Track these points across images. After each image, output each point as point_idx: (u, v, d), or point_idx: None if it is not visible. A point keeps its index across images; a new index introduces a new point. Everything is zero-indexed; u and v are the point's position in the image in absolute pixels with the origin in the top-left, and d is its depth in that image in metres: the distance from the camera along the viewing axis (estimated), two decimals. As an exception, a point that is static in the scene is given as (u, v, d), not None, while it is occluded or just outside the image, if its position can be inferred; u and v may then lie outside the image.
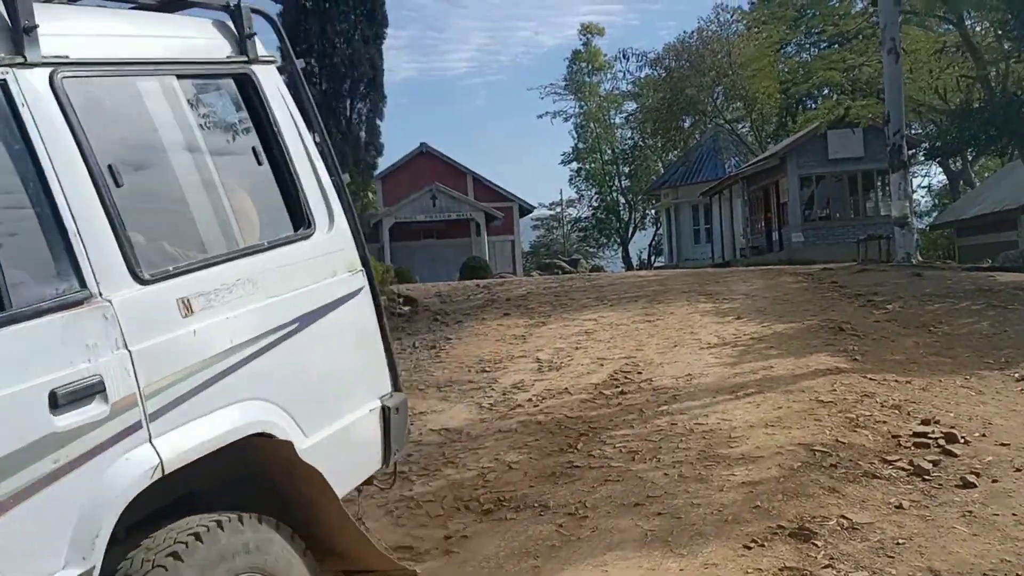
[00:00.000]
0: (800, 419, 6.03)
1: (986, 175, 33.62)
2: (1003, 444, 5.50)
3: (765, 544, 4.20)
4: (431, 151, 47.34)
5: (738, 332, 9.79)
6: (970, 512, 4.55)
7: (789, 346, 8.68)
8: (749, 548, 4.19)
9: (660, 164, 58.56)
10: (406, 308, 16.72)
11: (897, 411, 6.21)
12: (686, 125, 49.51)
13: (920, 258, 17.53)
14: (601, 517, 4.78)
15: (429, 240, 45.60)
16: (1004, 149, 17.08)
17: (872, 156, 28.37)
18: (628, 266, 59.77)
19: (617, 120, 61.72)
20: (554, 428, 6.62)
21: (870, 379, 7.15)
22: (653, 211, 60.57)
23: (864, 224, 28.44)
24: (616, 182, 65.23)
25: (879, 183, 29.34)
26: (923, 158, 31.58)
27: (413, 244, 45.14)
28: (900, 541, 4.20)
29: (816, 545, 4.15)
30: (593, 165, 66.11)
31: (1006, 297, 10.56)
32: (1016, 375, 7.39)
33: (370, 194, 17.61)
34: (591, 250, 68.19)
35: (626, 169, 64.25)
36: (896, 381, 7.11)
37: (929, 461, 5.11)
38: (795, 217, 29.02)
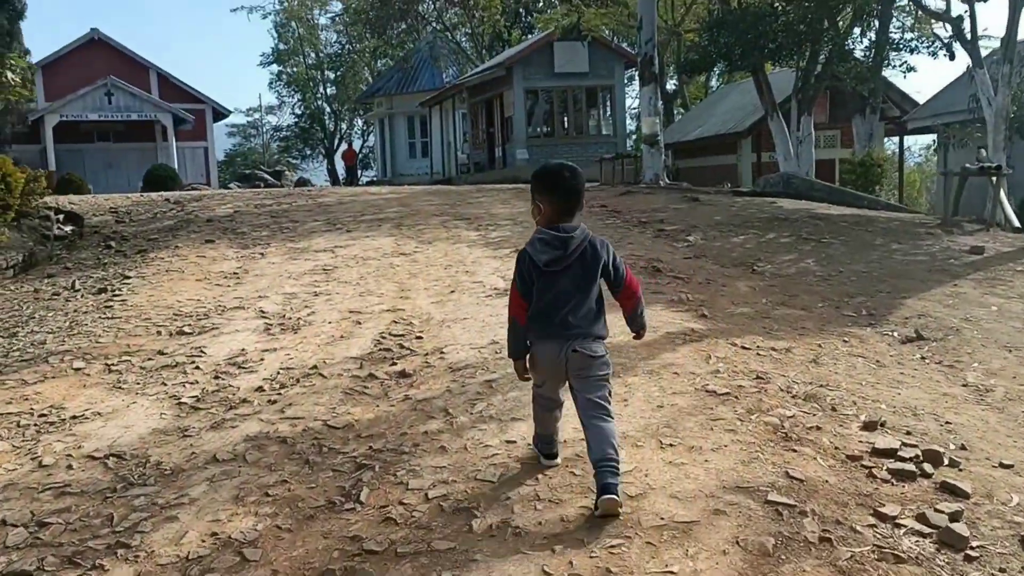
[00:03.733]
0: (703, 431, 3.93)
1: (697, 102, 34.42)
2: (1003, 465, 3.77)
3: None
4: (105, 39, 40.75)
5: (511, 271, 7.61)
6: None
7: (605, 293, 6.63)
8: None
9: (369, 72, 55.21)
10: (68, 229, 12.80)
11: (816, 405, 4.32)
12: (398, 31, 46.38)
13: (667, 180, 16.54)
14: None
15: (104, 143, 39.52)
16: (757, 64, 16.31)
17: (596, 72, 27.59)
18: (334, 179, 56.30)
19: (323, 21, 57.17)
20: (311, 451, 4.00)
21: (742, 348, 5.26)
22: (362, 121, 57.30)
23: (587, 143, 27.76)
24: (321, 89, 60.99)
25: (603, 101, 28.70)
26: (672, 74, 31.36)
27: (84, 147, 38.78)
28: None
29: None
30: (296, 69, 61.21)
31: (810, 228, 9.34)
32: (896, 334, 5.88)
33: (9, 75, 13.10)
34: (294, 161, 63.71)
35: (332, 75, 60.15)
36: (773, 350, 5.28)
37: (944, 512, 3.21)
38: (520, 132, 27.56)
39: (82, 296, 7.64)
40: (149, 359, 5.59)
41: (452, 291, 7.05)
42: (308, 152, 63.47)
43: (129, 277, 8.23)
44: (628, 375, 4.66)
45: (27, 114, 35.95)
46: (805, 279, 7.33)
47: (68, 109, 36.70)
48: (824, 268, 7.68)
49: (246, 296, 7.23)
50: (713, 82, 40.62)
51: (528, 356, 3.52)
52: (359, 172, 58.80)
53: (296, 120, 62.55)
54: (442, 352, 5.38)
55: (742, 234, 9.08)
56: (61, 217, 13.74)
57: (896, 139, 25.26)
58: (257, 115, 66.82)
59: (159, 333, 6.18)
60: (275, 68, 61.53)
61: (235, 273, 8.24)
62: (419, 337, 5.74)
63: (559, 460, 3.64)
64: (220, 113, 43.89)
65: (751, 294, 6.80)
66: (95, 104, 37.01)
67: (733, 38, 14.83)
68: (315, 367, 5.23)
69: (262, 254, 9.15)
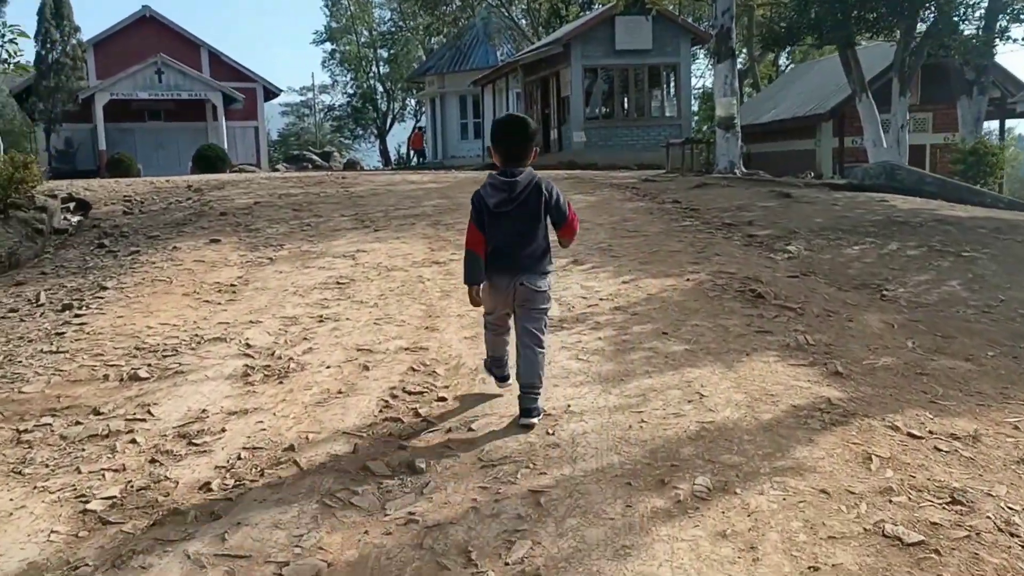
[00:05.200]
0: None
1: (765, 82, 32.19)
2: None
3: None
4: (156, 16, 40.01)
5: (589, 292, 6.00)
6: None
7: (694, 330, 5.00)
8: None
9: (422, 50, 53.72)
10: (75, 219, 11.52)
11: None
12: (453, 7, 44.67)
13: (744, 168, 14.70)
14: None
15: (155, 123, 38.84)
16: (850, 36, 14.34)
17: (660, 49, 25.63)
18: (386, 161, 55.09)
19: (376, -1, 55.83)
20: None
21: (910, 436, 3.59)
22: (414, 101, 55.86)
23: (649, 126, 25.90)
24: (374, 68, 59.70)
25: (667, 80, 26.73)
26: (757, 48, 29.10)
27: (135, 127, 38.14)
28: None
29: None
30: (348, 47, 60.01)
31: (940, 235, 7.52)
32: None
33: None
34: (346, 142, 62.66)
35: (385, 53, 58.81)
36: (955, 439, 3.60)
37: None
38: (577, 114, 25.74)
39: (42, 314, 6.23)
40: (77, 422, 4.11)
41: (492, 320, 5.46)
42: (360, 132, 62.33)
43: (106, 288, 6.81)
44: (750, 489, 3.04)
45: (77, 92, 35.34)
46: (956, 311, 5.56)
47: (118, 87, 36.07)
48: (977, 295, 5.89)
49: (234, 321, 5.74)
50: (782, 60, 38.25)
51: (482, 286, 3.83)
52: (411, 153, 57.56)
53: (348, 100, 61.42)
54: (471, 426, 3.80)
55: (856, 243, 7.30)
56: (72, 206, 12.51)
57: (995, 123, 22.90)
58: (310, 94, 65.98)
59: (106, 378, 4.70)
60: (328, 46, 60.52)
61: (232, 285, 6.76)
62: (442, 398, 4.16)
63: (511, 382, 4.04)
64: (271, 92, 42.93)
65: (889, 333, 5.08)
66: (145, 82, 36.37)
67: (824, 7, 12.88)
68: (291, 448, 3.69)
69: (271, 259, 7.67)
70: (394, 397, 4.22)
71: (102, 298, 6.50)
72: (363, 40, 59.10)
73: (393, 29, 56.80)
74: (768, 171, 16.87)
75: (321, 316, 5.75)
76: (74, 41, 35.56)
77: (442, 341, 5.08)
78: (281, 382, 4.53)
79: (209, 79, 37.90)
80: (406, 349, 4.95)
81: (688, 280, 6.15)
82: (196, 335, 5.43)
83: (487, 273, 3.78)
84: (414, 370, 4.59)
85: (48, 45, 35.24)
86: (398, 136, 60.34)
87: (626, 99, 26.71)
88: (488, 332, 4.06)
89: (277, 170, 35.38)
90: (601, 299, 5.82)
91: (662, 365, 4.45)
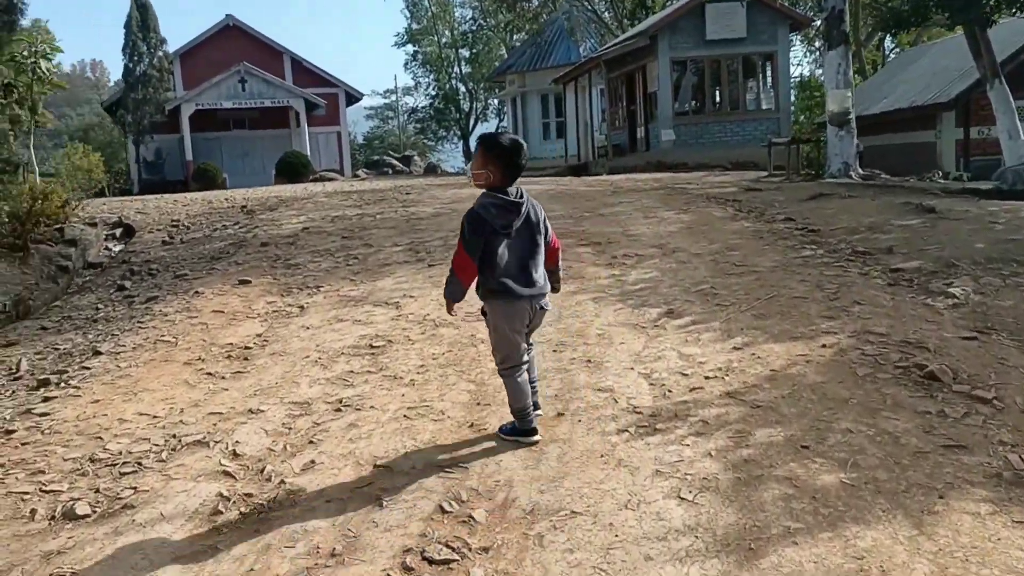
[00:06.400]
0: None
1: (870, 69, 29.68)
2: None
3: None
4: (240, 25, 39.98)
5: (690, 364, 4.50)
6: None
7: (848, 443, 3.47)
8: None
9: (504, 49, 52.49)
10: (117, 248, 10.60)
11: None
12: (534, 3, 43.25)
13: (861, 170, 12.83)
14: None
15: (239, 131, 38.73)
16: (989, 13, 12.35)
17: (755, 37, 23.71)
18: (469, 161, 54.08)
19: (456, -1, 54.88)
20: None
21: None
22: (496, 100, 54.66)
23: (744, 120, 24.02)
24: (455, 68, 58.77)
25: (762, 70, 24.74)
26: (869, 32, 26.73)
27: (221, 136, 38.13)
28: None
29: None
30: (430, 48, 59.25)
31: None
32: None
33: (44, 65, 10.99)
34: (429, 143, 62.03)
35: (466, 53, 57.81)
36: None
37: None
38: (665, 110, 23.97)
39: (12, 393, 5.09)
40: (-40, 606, 2.87)
41: (560, 411, 4.03)
42: (443, 134, 61.54)
43: (100, 353, 5.65)
44: None
45: (164, 103, 35.42)
46: None
47: (203, 97, 36.08)
48: None
49: (231, 409, 4.46)
50: (887, 43, 35.57)
51: (501, 310, 3.63)
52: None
53: (431, 101, 60.71)
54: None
55: (1039, 282, 5.58)
56: (118, 232, 11.62)
57: None
58: (393, 97, 65.62)
59: (32, 515, 3.45)
60: (410, 48, 59.95)
61: (246, 348, 5.51)
62: (476, 579, 2.76)
63: (539, 436, 3.70)
64: (353, 96, 42.46)
65: None
66: (229, 92, 36.31)
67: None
68: None
69: (301, 307, 6.41)
70: (408, 571, 2.84)
71: (88, 369, 5.33)
72: (444, 40, 58.29)
73: (474, 28, 55.75)
74: (882, 168, 14.94)
75: (340, 402, 4.42)
76: (160, 53, 35.69)
77: (488, 453, 3.67)
78: (258, 530, 3.20)
79: (291, 86, 37.60)
80: (439, 468, 3.57)
81: (824, 346, 4.58)
82: (175, 435, 4.16)
83: (510, 299, 3.60)
84: (443, 511, 3.20)
85: (135, 58, 35.43)
86: (481, 136, 59.30)
87: (718, 92, 24.83)
88: (516, 376, 3.71)
89: (358, 175, 34.74)
90: (707, 377, 4.32)
91: (810, 517, 2.94)
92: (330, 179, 30.35)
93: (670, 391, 4.18)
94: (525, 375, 3.74)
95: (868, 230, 7.37)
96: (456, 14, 57.47)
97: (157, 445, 4.05)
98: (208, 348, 5.58)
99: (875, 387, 4.02)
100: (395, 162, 38.86)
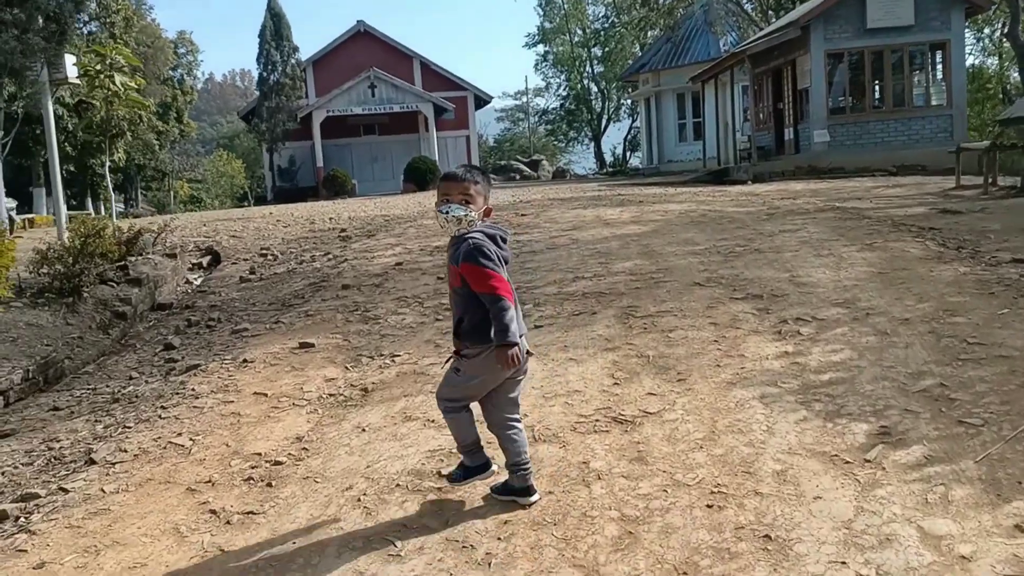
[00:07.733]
0: None
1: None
2: None
3: None
4: (370, 31, 39.72)
5: (943, 553, 2.65)
6: None
7: None
8: None
9: (638, 46, 50.32)
10: (198, 280, 9.48)
11: None
12: (669, -2, 40.88)
13: (1081, 183, 10.34)
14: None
15: (369, 137, 38.47)
16: None
17: (924, 24, 20.90)
18: (601, 164, 52.25)
19: (591, -6, 53.15)
20: None
21: None
22: (629, 100, 52.52)
23: (910, 118, 21.26)
24: (587, 67, 57.00)
25: (931, 61, 21.83)
26: None
27: (351, 141, 37.98)
28: None
29: None
30: (561, 48, 57.75)
31: None
32: None
33: (119, 79, 10.00)
34: (559, 144, 60.51)
35: (598, 52, 55.94)
36: None
37: None
38: (819, 108, 21.46)
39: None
40: None
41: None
42: (574, 135, 59.87)
43: (92, 463, 4.28)
44: None
45: (296, 111, 35.49)
46: None
47: (334, 104, 36.00)
48: None
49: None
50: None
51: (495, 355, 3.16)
52: (627, 154, 54.31)
53: (561, 102, 59.18)
54: None
55: None
56: (205, 261, 10.53)
57: None
58: (524, 98, 64.48)
59: None
60: (541, 48, 58.65)
61: (276, 465, 4.00)
62: None
63: (495, 467, 3.42)
64: (482, 99, 41.61)
65: None
66: (359, 97, 36.08)
67: None
68: None
69: (365, 390, 4.87)
70: None
71: (65, 493, 3.94)
72: (576, 39, 56.65)
73: (606, 25, 53.84)
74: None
75: (371, 600, 2.81)
76: (293, 61, 35.76)
77: None
78: None
79: (420, 90, 36.98)
80: None
81: None
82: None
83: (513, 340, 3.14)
84: None
85: (269, 67, 35.64)
86: (613, 137, 57.34)
87: (878, 87, 22.06)
88: (459, 414, 3.33)
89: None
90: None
91: None
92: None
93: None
94: (471, 414, 3.36)
95: None
96: (588, 11, 55.74)
97: None
98: (227, 461, 4.11)
99: None
100: (523, 167, 37.54)
